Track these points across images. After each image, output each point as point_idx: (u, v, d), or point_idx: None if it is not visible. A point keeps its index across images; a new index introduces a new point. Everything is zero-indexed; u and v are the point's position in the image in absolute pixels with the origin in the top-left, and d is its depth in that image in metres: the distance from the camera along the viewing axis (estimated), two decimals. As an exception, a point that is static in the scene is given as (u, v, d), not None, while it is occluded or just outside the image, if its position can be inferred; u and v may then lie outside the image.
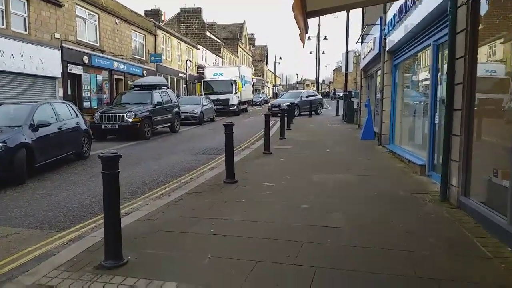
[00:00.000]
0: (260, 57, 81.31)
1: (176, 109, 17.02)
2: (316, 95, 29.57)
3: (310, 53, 64.39)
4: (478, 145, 4.93)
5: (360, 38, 15.92)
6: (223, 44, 48.83)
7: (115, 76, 21.82)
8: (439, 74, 6.82)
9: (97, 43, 20.02)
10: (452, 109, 5.34)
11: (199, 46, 37.93)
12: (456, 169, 5.14)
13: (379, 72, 13.03)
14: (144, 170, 8.41)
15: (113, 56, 21.26)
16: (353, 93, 24.33)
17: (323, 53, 66.77)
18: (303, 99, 25.76)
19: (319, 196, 5.74)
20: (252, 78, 62.77)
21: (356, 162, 8.54)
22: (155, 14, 37.14)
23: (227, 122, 6.74)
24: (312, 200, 5.51)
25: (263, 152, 9.95)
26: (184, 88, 32.44)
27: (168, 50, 30.36)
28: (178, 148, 11.82)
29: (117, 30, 21.85)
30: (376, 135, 12.26)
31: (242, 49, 61.00)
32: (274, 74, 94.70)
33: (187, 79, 28.07)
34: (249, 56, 69.19)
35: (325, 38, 50.12)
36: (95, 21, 19.91)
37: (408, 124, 9.60)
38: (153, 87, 16.22)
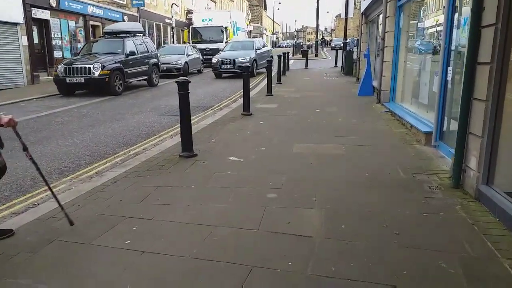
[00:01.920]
0: (258, 2, 76.85)
1: (154, 60, 15.28)
2: (266, 46, 22.40)
3: (311, -3, 60.54)
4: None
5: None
6: (216, -13, 45.39)
7: (91, 22, 19.75)
8: (456, 15, 5.24)
9: (66, -17, 17.80)
10: (475, 62, 3.85)
11: (188, -11, 34.98)
12: (477, 146, 3.76)
13: (381, 17, 11.22)
14: (94, 136, 7.03)
15: (86, -1, 19.08)
16: (348, 42, 22.05)
17: (324, -3, 62.85)
18: (258, 51, 18.76)
19: (293, 179, 4.40)
20: (248, 25, 59.49)
21: (348, 126, 7.14)
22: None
23: (182, 78, 5.25)
24: (284, 185, 4.18)
25: (242, 113, 8.51)
26: (172, 35, 30.12)
27: (152, -7, 27.77)
28: (148, 106, 10.35)
29: (91, -32, 19.46)
30: (375, 90, 10.74)
31: (238, -7, 57.18)
32: (273, 21, 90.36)
33: (173, 25, 25.78)
34: (246, 1, 65.19)
35: (327, -20, 46.78)
36: (63, -43, 17.55)
37: (412, 79, 8.08)
38: (126, 34, 14.38)
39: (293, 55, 38.85)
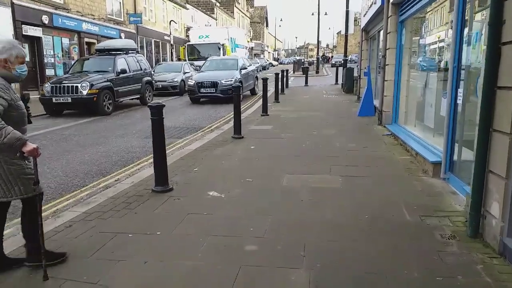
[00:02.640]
0: (259, 19, 77.26)
1: (148, 78, 14.76)
2: (252, 65, 18.54)
3: (312, 14, 60.63)
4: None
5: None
6: (217, 4, 45.45)
7: (86, 39, 19.39)
8: (466, 30, 4.63)
9: (60, 0, 17.46)
10: (495, 86, 3.21)
11: (188, 6, 34.90)
12: (500, 189, 3.08)
13: (382, 33, 10.69)
14: (67, 164, 6.39)
15: (81, 16, 18.74)
16: (350, 59, 21.50)
17: (325, 14, 63.12)
18: (243, 71, 15.59)
19: (280, 222, 3.72)
20: (249, 41, 59.45)
21: (347, 152, 6.47)
22: (139, -30, 33.90)
23: (155, 102, 4.63)
24: (267, 232, 3.50)
25: (232, 136, 7.87)
26: (171, 52, 29.82)
27: (151, 10, 27.58)
28: (135, 128, 9.74)
29: (86, -15, 19.20)
30: (377, 111, 10.11)
31: (239, 10, 57.40)
32: (275, 38, 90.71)
33: (171, 42, 25.44)
34: (247, 18, 65.49)
35: (327, -3, 46.79)
36: (57, -26, 17.29)
37: (416, 100, 7.45)
38: (118, 51, 13.90)
39: (293, 72, 38.53)
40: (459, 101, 4.57)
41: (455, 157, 4.83)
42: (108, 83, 12.31)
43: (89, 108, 11.69)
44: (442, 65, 6.41)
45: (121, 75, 13.01)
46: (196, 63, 21.67)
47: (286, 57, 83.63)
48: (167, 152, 7.12)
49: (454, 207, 4.03)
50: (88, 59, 14.00)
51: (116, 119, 11.38)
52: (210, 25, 35.80)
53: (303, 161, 5.93)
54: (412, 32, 7.89)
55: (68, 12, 17.74)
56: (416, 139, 6.70)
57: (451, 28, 4.78)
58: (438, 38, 6.53)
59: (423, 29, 7.07)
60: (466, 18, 4.65)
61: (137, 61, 14.43)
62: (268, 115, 10.90)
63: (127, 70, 13.55)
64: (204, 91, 14.34)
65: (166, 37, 28.86)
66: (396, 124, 8.44)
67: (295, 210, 4.03)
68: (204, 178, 5.22)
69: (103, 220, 3.86)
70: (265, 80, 10.93)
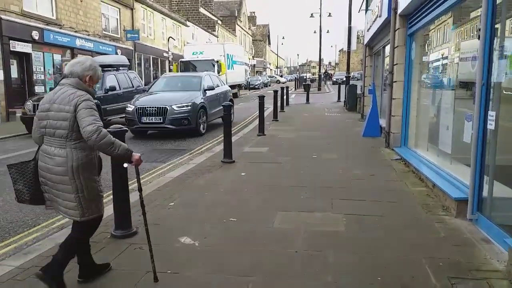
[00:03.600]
0: (261, 37, 77.39)
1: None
2: (222, 85, 13.85)
3: (314, 32, 60.32)
4: None
5: (364, 4, 12.68)
6: (218, 21, 45.28)
7: (80, 56, 18.76)
8: (496, 41, 3.80)
9: (52, 15, 16.90)
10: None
11: (188, 23, 34.56)
12: None
13: (387, 48, 9.94)
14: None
15: (75, 32, 18.16)
16: (352, 76, 20.74)
17: (327, 32, 63.07)
18: (208, 93, 11.55)
19: None
20: (250, 59, 59.15)
21: (352, 182, 5.58)
22: (139, -13, 33.69)
23: (115, 127, 3.77)
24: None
25: (222, 160, 7.01)
26: (170, 69, 29.21)
27: (150, 27, 27.12)
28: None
29: (81, 1, 18.67)
30: (383, 131, 9.25)
31: (241, 27, 57.30)
32: (277, 55, 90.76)
33: (170, 59, 24.83)
34: (249, 36, 65.45)
35: (330, 15, 46.45)
36: (50, -13, 16.77)
37: (428, 121, 6.60)
38: (109, 67, 13.19)
39: (295, 89, 37.91)
40: (491, 126, 3.70)
41: (485, 193, 3.94)
42: (95, 101, 11.52)
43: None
44: (448, 81, 5.60)
45: (110, 93, 12.26)
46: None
47: (288, 74, 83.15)
48: (145, 179, 6.30)
49: (491, 264, 3.12)
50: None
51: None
52: (211, 42, 35.31)
53: (300, 193, 5.03)
54: (423, 46, 7.10)
55: (60, 28, 17.15)
56: (430, 166, 5.81)
57: (478, 38, 3.95)
58: (456, 51, 5.72)
59: (437, 41, 6.26)
60: (496, 26, 3.83)
61: (129, 78, 13.72)
62: (265, 135, 10.06)
63: (117, 88, 12.81)
64: (147, 121, 10.06)
65: (165, 54, 28.35)
66: (406, 147, 7.57)
67: (285, 268, 3.12)
68: (179, 217, 4.33)
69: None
70: (261, 98, 10.13)
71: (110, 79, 12.54)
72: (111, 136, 2.60)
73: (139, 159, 2.76)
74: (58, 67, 17.34)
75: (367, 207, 4.48)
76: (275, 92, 13.54)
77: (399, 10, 7.34)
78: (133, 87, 13.68)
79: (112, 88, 12.30)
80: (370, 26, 11.17)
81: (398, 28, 7.50)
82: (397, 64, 7.69)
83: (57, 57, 17.46)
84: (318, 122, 12.87)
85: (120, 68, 13.66)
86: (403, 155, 6.97)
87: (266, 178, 5.91)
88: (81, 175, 2.62)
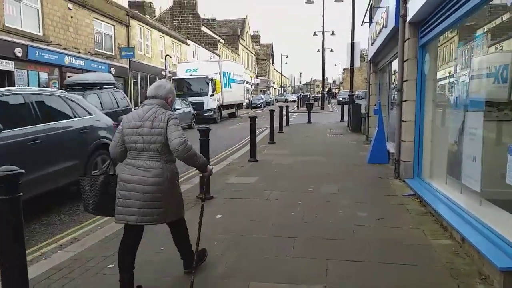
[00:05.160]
0: (265, 56, 77.03)
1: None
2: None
3: (318, 50, 59.94)
4: None
5: (368, 16, 11.63)
6: (220, 40, 44.77)
7: (69, 75, 17.83)
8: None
9: (39, 32, 16.06)
10: None
11: (189, 41, 33.92)
12: None
13: (395, 63, 8.83)
14: None
15: (63, 49, 17.32)
16: (357, 94, 19.58)
17: (331, 50, 62.55)
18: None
19: None
20: (252, 77, 58.41)
21: (354, 229, 4.35)
22: (139, 6, 33.35)
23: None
24: None
25: (198, 195, 5.83)
26: (176, 88, 28.32)
27: (147, 45, 26.38)
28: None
29: (71, 17, 17.89)
30: (391, 157, 8.04)
31: (244, 46, 56.87)
32: (281, 74, 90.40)
33: (166, 77, 23.95)
34: (252, 55, 65.04)
35: (333, 33, 45.85)
36: (37, 4, 15.94)
37: (447, 148, 5.40)
38: (91, 86, 12.17)
39: (298, 107, 36.90)
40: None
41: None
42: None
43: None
44: (473, 100, 4.43)
45: (90, 113, 11.16)
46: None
47: (293, 93, 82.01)
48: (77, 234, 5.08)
49: None
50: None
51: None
52: (210, 59, 34.44)
53: (286, 249, 3.81)
54: (439, 59, 5.96)
55: (48, 45, 16.30)
56: (453, 207, 4.59)
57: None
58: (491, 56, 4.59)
59: (458, 51, 5.10)
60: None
61: (114, 98, 12.67)
62: (257, 160, 8.89)
63: (100, 107, 11.69)
64: None
65: (163, 73, 27.52)
66: (420, 179, 6.35)
67: None
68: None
69: None
70: (252, 119, 8.97)
71: (91, 99, 11.47)
72: (195, 149, 2.92)
73: (211, 171, 3.17)
74: (44, 85, 16.41)
75: (376, 275, 3.24)
76: (271, 112, 12.39)
77: (409, 17, 6.23)
78: (118, 107, 12.62)
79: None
80: (375, 39, 10.08)
81: (408, 38, 6.38)
82: (407, 80, 6.55)
83: (43, 75, 16.56)
84: (318, 145, 11.68)
85: (104, 87, 12.62)
86: (417, 190, 5.74)
87: (246, 222, 4.70)
88: (173, 184, 2.98)
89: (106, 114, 11.88)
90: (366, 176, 7.24)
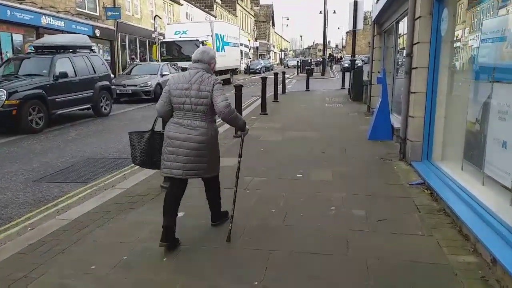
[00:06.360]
0: (265, 18, 73.97)
1: (104, 83, 11.76)
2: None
3: (320, 12, 57.32)
4: None
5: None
6: (216, 0, 42.43)
7: (47, 36, 16.46)
8: None
9: (11, -11, 14.60)
10: None
11: (182, 1, 31.91)
12: None
13: (403, 23, 7.57)
14: None
15: (39, 8, 15.84)
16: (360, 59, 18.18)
17: (334, 12, 60.06)
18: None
19: None
20: (251, 40, 56.05)
21: (346, 240, 3.36)
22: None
23: None
24: None
25: (162, 184, 4.83)
26: (163, 52, 26.78)
27: (135, 5, 24.64)
28: (42, 159, 6.72)
29: (47, -28, 16.30)
30: (395, 133, 6.99)
31: (242, 7, 54.27)
32: (281, 37, 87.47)
33: (155, 40, 22.33)
34: (251, 16, 62.36)
35: (335, -7, 43.50)
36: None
37: (466, 126, 4.36)
38: (62, 49, 10.93)
39: (297, 73, 35.39)
40: None
41: None
42: (39, 90, 9.36)
43: (6, 124, 8.77)
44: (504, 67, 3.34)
45: (61, 80, 10.04)
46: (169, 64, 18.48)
47: (295, 57, 78.86)
48: (32, 220, 4.15)
49: None
50: (22, 59, 10.98)
51: (38, 140, 8.35)
52: (206, 20, 32.41)
53: (257, 274, 2.85)
54: (459, 16, 4.77)
55: (20, 3, 14.84)
56: (476, 208, 3.60)
57: None
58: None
59: (491, 3, 3.92)
60: None
61: (90, 63, 11.45)
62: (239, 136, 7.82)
63: (73, 73, 10.60)
64: None
65: (153, 35, 25.86)
66: (429, 162, 5.33)
67: None
68: None
69: None
70: (238, 89, 7.83)
71: (62, 64, 10.29)
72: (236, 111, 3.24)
73: (247, 130, 3.45)
74: (19, 48, 15.11)
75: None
76: (263, 79, 11.17)
77: (425, -38, 4.98)
78: (94, 72, 11.43)
79: (63, 75, 10.05)
80: (380, -5, 8.73)
81: (422, -10, 5.15)
82: (418, 43, 5.37)
83: (18, 37, 15.22)
84: (314, 117, 10.58)
85: (79, 50, 11.36)
86: (426, 178, 4.73)
87: (206, 227, 3.72)
88: (214, 143, 3.28)
89: (81, 80, 10.87)
90: (366, 157, 6.20)
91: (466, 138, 4.42)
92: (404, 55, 6.01)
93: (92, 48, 12.31)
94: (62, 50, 10.87)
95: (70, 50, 11.03)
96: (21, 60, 10.94)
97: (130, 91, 14.89)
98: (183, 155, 3.12)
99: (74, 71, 10.70)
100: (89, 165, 6.21)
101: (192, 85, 3.10)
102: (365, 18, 20.05)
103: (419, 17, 5.31)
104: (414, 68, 5.56)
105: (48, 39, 11.57)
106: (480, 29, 4.11)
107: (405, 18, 6.55)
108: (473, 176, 4.10)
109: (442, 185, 4.32)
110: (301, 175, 5.23)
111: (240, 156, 3.56)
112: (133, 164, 6.49)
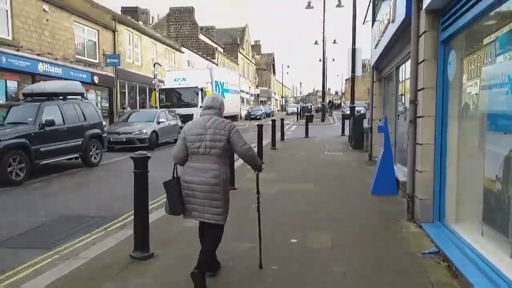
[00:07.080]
0: (266, 66, 75.59)
1: (95, 131, 11.27)
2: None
3: (319, 60, 58.46)
4: None
5: (370, 14, 9.98)
6: (218, 48, 43.37)
7: (43, 83, 16.33)
8: None
9: (7, 35, 14.57)
10: None
11: (183, 49, 32.44)
12: None
13: (404, 68, 7.17)
14: None
15: (37, 55, 15.81)
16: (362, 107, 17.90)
17: (333, 60, 61.19)
18: None
19: None
20: (251, 87, 56.72)
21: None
22: (133, 11, 32.02)
23: None
24: None
25: (132, 253, 4.13)
26: (163, 99, 26.75)
27: (137, 52, 24.90)
28: (15, 216, 6.06)
29: (47, 20, 16.39)
30: (402, 188, 6.33)
31: (244, 55, 55.46)
32: (282, 84, 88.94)
33: (154, 87, 22.33)
34: (253, 64, 63.64)
35: (334, 41, 44.46)
36: (5, 4, 14.43)
37: (483, 184, 3.74)
38: (53, 96, 10.58)
39: (297, 119, 35.26)
40: None
41: None
42: (22, 139, 8.84)
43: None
44: None
45: (48, 128, 9.56)
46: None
47: (295, 103, 79.15)
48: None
49: None
50: (11, 106, 10.60)
51: (20, 193, 7.72)
52: (206, 67, 32.78)
53: None
54: (468, 58, 4.30)
55: (17, 50, 14.79)
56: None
57: None
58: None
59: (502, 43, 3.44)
60: None
61: (81, 110, 11.04)
62: (235, 189, 7.17)
63: (61, 121, 10.15)
64: None
65: (153, 82, 25.94)
66: (442, 224, 4.65)
67: None
68: None
69: None
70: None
71: (49, 112, 9.84)
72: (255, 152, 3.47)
73: (262, 169, 3.61)
74: (13, 95, 14.86)
75: None
76: (259, 126, 10.69)
77: (425, 4, 4.59)
78: (84, 120, 10.98)
79: (50, 123, 9.58)
80: (379, 40, 8.43)
81: (425, 32, 4.72)
82: (423, 88, 4.88)
83: (12, 84, 15.01)
84: (313, 167, 9.96)
85: (69, 97, 11.00)
86: (442, 247, 4.02)
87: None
88: (226, 186, 3.36)
89: (69, 128, 10.42)
90: (370, 216, 5.51)
91: (484, 198, 3.79)
92: (408, 101, 5.50)
93: (84, 95, 11.98)
94: (53, 98, 10.51)
95: (61, 97, 10.67)
96: (10, 107, 10.56)
97: (124, 139, 14.42)
98: (199, 198, 3.27)
99: (63, 118, 10.26)
100: (60, 225, 5.53)
101: (207, 130, 3.26)
102: (363, 66, 20.05)
103: (423, 60, 4.87)
104: (419, 117, 5.03)
105: (38, 86, 11.28)
106: (493, 76, 3.60)
107: (406, 63, 6.13)
108: (499, 246, 3.43)
109: (463, 258, 3.61)
110: (296, 240, 4.53)
111: (258, 192, 3.78)
112: (106, 225, 5.95)
